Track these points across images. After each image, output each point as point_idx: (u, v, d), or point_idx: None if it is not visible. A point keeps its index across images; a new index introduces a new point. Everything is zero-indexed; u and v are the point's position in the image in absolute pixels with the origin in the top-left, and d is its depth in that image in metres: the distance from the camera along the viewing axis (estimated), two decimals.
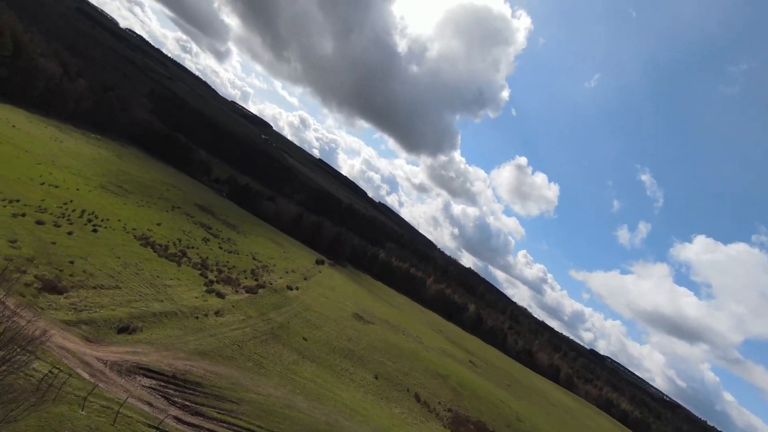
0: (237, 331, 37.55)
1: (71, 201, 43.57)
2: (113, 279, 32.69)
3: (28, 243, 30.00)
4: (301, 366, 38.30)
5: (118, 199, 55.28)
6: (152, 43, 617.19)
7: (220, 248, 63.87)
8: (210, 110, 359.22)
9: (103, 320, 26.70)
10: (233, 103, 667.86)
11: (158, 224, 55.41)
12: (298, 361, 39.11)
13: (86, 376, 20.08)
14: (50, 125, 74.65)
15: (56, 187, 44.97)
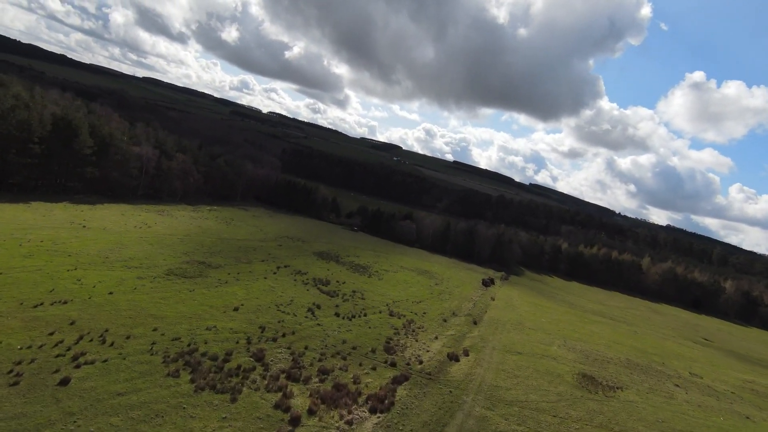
0: None
1: (72, 323, 27.20)
2: None
3: None
4: None
5: (184, 286, 39.13)
6: (289, 116, 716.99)
7: (337, 315, 42.38)
8: (341, 151, 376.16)
9: None
10: (363, 139, 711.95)
11: (235, 309, 36.83)
12: None
13: None
14: (152, 211, 68.44)
15: (64, 303, 29.71)
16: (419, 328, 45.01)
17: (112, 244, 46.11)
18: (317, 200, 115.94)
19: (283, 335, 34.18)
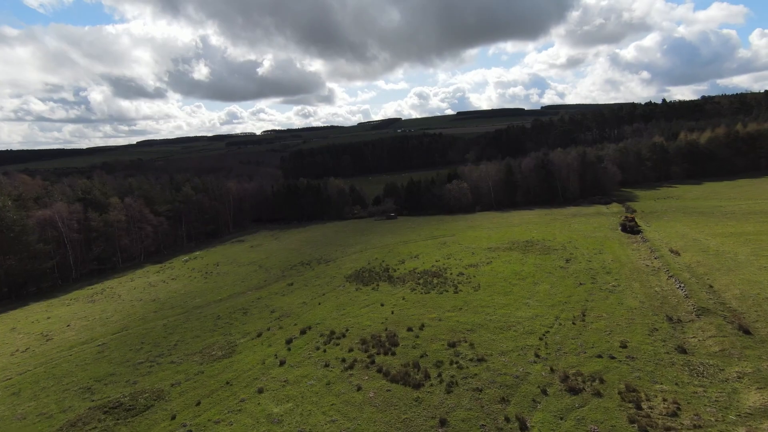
0: None
1: None
2: None
3: None
4: None
5: None
6: (283, 129, 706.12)
7: None
8: (341, 141, 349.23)
9: None
10: (360, 124, 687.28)
11: None
12: None
13: None
14: (82, 298, 42.90)
15: None
16: (672, 413, 16.53)
17: None
18: (332, 196, 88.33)
19: None
